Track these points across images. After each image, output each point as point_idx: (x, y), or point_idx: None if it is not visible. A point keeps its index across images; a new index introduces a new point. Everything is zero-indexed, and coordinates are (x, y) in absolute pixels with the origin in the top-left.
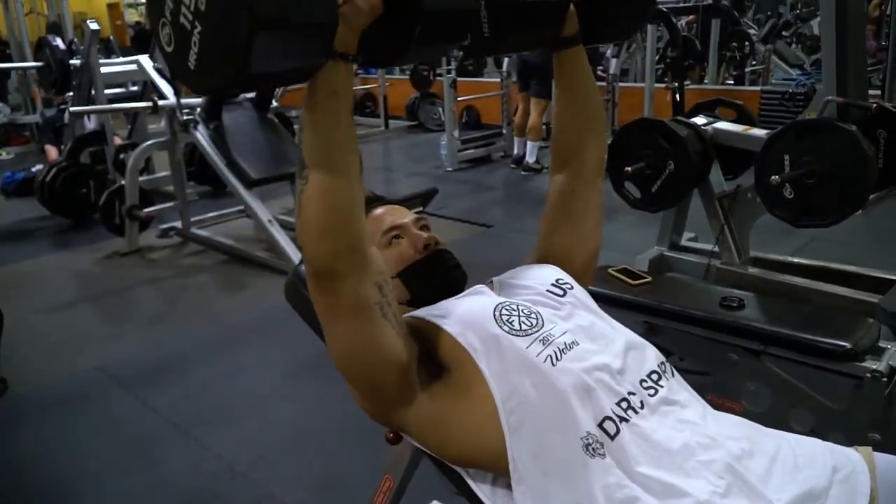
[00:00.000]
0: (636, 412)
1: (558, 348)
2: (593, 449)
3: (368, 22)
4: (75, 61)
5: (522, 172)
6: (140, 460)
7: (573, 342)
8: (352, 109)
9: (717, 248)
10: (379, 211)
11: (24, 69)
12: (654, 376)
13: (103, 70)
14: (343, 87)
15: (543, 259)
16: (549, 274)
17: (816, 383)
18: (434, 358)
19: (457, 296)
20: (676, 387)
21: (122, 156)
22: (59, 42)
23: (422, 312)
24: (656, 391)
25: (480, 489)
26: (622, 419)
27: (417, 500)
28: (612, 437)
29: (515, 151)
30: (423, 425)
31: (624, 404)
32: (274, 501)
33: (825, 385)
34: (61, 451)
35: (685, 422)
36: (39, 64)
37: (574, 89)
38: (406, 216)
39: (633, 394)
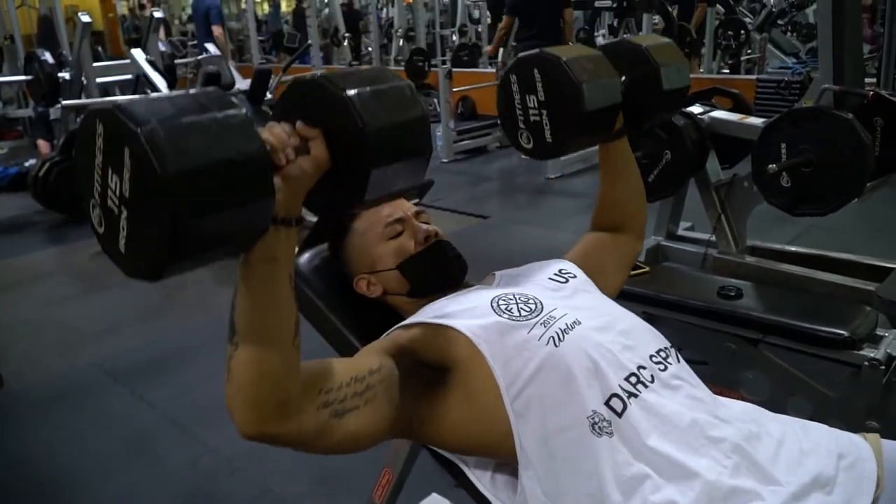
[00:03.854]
0: (646, 386)
1: (560, 329)
2: (600, 428)
3: (315, 181)
4: (64, 74)
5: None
6: (138, 456)
7: (575, 321)
8: (292, 274)
9: (714, 238)
10: None
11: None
12: (663, 353)
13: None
14: (283, 253)
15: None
16: (552, 265)
17: (814, 371)
18: (432, 361)
19: (452, 294)
20: (683, 370)
21: None
22: (47, 56)
23: (416, 318)
24: (666, 367)
25: (480, 480)
26: (630, 394)
27: (416, 493)
28: (620, 414)
29: None
30: (426, 428)
31: (633, 379)
32: (273, 496)
33: (823, 373)
34: (58, 446)
35: (695, 399)
36: (28, 77)
37: (619, 174)
38: (406, 208)
39: (644, 367)
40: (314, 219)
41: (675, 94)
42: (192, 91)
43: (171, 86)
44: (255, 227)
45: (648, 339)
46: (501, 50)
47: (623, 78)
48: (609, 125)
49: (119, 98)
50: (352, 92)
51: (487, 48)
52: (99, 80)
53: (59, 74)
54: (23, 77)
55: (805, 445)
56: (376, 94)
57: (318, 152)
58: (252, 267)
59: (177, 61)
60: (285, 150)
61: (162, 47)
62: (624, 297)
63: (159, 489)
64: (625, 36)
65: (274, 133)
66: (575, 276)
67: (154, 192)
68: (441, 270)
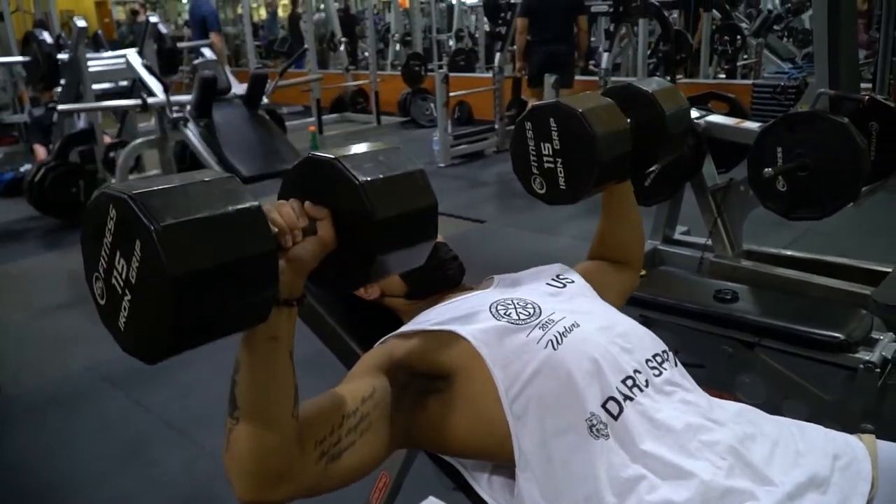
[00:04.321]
0: (641, 390)
1: (558, 332)
2: (597, 430)
3: (319, 261)
4: (63, 56)
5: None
6: (134, 460)
7: (574, 324)
8: (291, 350)
9: (710, 242)
10: None
11: (12, 64)
12: (659, 359)
13: (92, 68)
14: (284, 332)
15: None
16: (551, 269)
17: (810, 374)
18: (425, 373)
19: (451, 299)
20: (679, 374)
21: (111, 154)
22: (46, 36)
23: (415, 325)
24: (661, 372)
25: (478, 482)
26: (626, 398)
27: (414, 497)
28: (616, 417)
29: None
30: (424, 435)
31: (629, 382)
32: None
33: (819, 376)
34: (55, 451)
35: (689, 403)
36: (27, 59)
37: (621, 215)
38: None
39: (639, 372)
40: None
41: (678, 137)
42: (206, 178)
43: (167, 90)
44: (257, 314)
45: (646, 342)
46: (498, 55)
47: (629, 121)
48: (621, 172)
49: (131, 182)
50: (365, 178)
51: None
52: (95, 86)
53: (58, 56)
54: (20, 58)
55: (801, 446)
56: (388, 182)
57: (326, 233)
58: (253, 346)
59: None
60: (293, 231)
61: (164, 30)
62: None
63: (155, 493)
64: (631, 80)
65: (283, 213)
66: (573, 282)
67: (161, 289)
68: (438, 272)
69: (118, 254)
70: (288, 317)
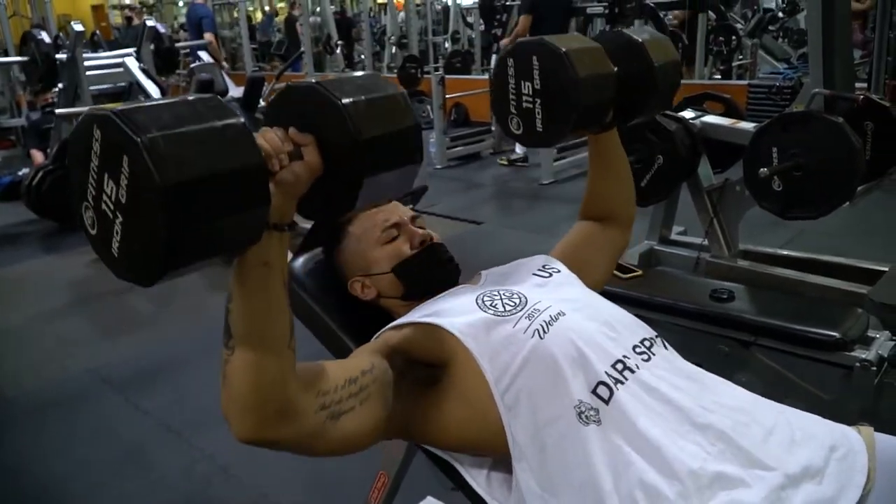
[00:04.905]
0: (633, 372)
1: (544, 321)
2: (587, 417)
3: (308, 187)
4: (61, 56)
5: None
6: (133, 463)
7: (559, 312)
8: (286, 280)
9: (706, 242)
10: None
11: (9, 66)
12: (647, 343)
13: (89, 72)
14: (276, 257)
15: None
16: (536, 261)
17: (806, 373)
18: (422, 360)
19: (440, 294)
20: (670, 356)
21: None
22: (44, 35)
23: (406, 318)
24: (650, 357)
25: (476, 480)
26: (617, 381)
27: (412, 497)
28: (607, 401)
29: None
30: (421, 426)
31: (619, 366)
32: (269, 502)
33: (815, 375)
34: (53, 454)
35: (680, 387)
36: (24, 59)
37: (606, 166)
38: (402, 213)
39: (628, 357)
40: (307, 225)
41: (666, 92)
42: (189, 98)
43: (163, 93)
44: (249, 234)
45: (633, 328)
46: (494, 56)
47: (616, 69)
48: (600, 119)
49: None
50: (346, 100)
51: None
52: (91, 87)
53: (57, 56)
54: (18, 58)
55: (797, 435)
56: (370, 103)
57: (312, 158)
58: (245, 272)
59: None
60: (279, 155)
61: (161, 29)
62: (617, 300)
63: (154, 496)
64: (624, 29)
65: (268, 138)
66: (559, 271)
67: (152, 202)
68: (435, 274)
69: (106, 176)
70: (279, 242)
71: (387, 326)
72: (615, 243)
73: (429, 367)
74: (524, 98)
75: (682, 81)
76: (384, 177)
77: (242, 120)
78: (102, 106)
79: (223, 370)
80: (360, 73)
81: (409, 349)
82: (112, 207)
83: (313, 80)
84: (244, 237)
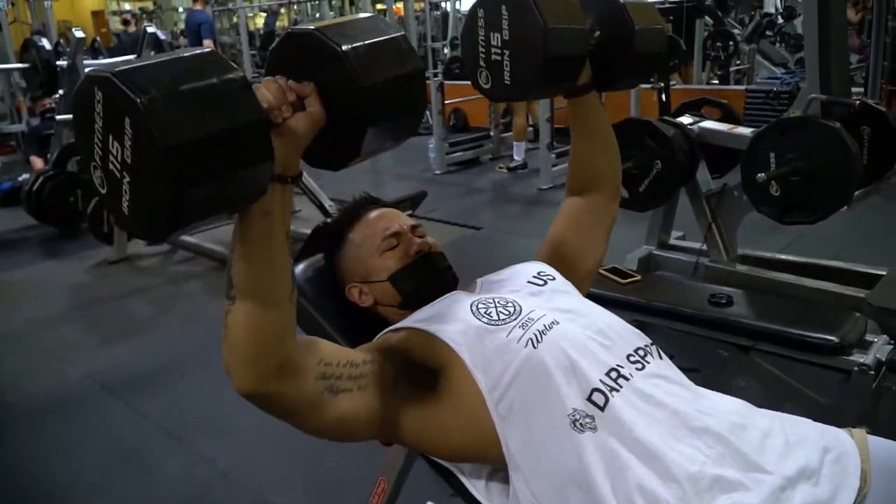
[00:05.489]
0: (627, 380)
1: (538, 330)
2: (581, 424)
3: (312, 137)
4: (62, 62)
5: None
6: (132, 467)
7: (553, 322)
8: (288, 231)
9: (705, 246)
10: (374, 214)
11: (10, 72)
12: (641, 352)
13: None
14: (279, 209)
15: (545, 262)
16: (531, 268)
17: (805, 378)
18: (419, 364)
19: (434, 301)
20: (665, 365)
21: None
22: (44, 42)
23: (402, 323)
24: (644, 366)
25: (475, 487)
26: (612, 388)
27: (412, 502)
28: (602, 408)
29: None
30: (415, 432)
31: (613, 374)
32: None
33: (813, 379)
34: (53, 458)
35: (676, 393)
36: (25, 65)
37: (588, 131)
38: (403, 222)
39: (622, 365)
40: (307, 231)
41: (647, 58)
42: (188, 54)
43: None
44: (254, 188)
45: (627, 336)
46: None
47: (597, 33)
48: (571, 75)
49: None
50: (346, 47)
51: None
52: None
53: (57, 63)
54: (19, 65)
55: (791, 438)
56: (372, 48)
57: (314, 108)
58: (249, 222)
59: None
60: (281, 107)
61: (161, 35)
62: (616, 305)
63: (153, 501)
64: None
65: (270, 90)
66: (553, 279)
67: (156, 161)
68: (431, 283)
69: (110, 137)
70: (283, 193)
71: (385, 330)
72: (603, 219)
73: (425, 371)
74: (493, 50)
75: (680, 87)
76: (387, 124)
77: (242, 73)
78: (102, 65)
79: (224, 321)
80: (361, 16)
81: (406, 351)
82: (119, 167)
83: (312, 27)
84: (249, 192)
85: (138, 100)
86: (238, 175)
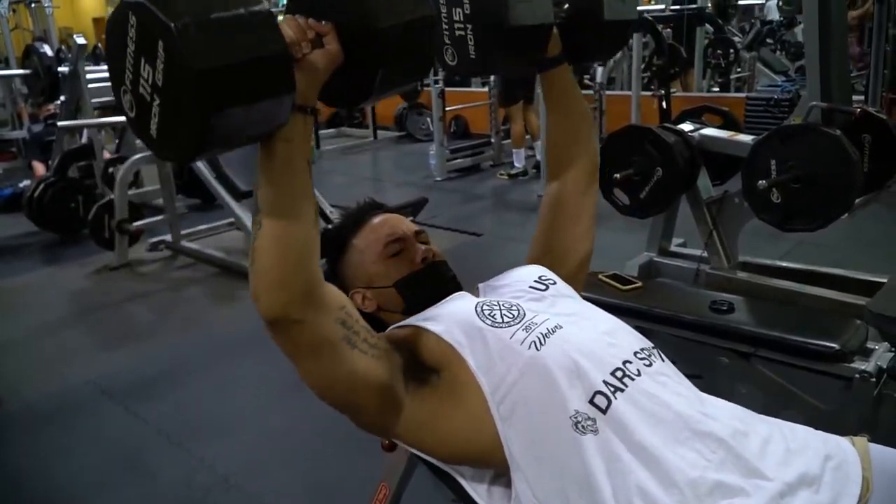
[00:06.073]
0: (632, 379)
1: (541, 333)
2: (583, 427)
3: (329, 74)
4: (63, 69)
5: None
6: (133, 473)
7: (556, 326)
8: (309, 157)
9: (705, 253)
10: (378, 220)
11: (12, 78)
12: (645, 352)
13: (91, 85)
14: (299, 135)
15: (536, 262)
16: (532, 272)
17: (806, 385)
18: (422, 362)
19: (439, 302)
20: (667, 368)
21: (110, 170)
22: (46, 49)
23: (407, 320)
24: (651, 363)
25: (476, 491)
26: (616, 389)
27: None
28: (605, 411)
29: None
30: (417, 430)
31: (619, 373)
32: None
33: (814, 386)
34: (54, 464)
35: (680, 395)
36: (27, 72)
37: (562, 106)
38: (407, 227)
39: (629, 362)
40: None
41: (617, 26)
42: None
43: None
44: (277, 116)
45: (630, 339)
46: None
47: (566, 6)
48: (538, 46)
49: None
50: None
51: None
52: (95, 99)
53: (59, 69)
54: (21, 71)
55: (792, 445)
56: None
57: (332, 47)
58: (271, 149)
59: None
60: (301, 43)
61: None
62: (617, 312)
63: None
64: None
65: (292, 26)
66: (555, 283)
67: (187, 84)
68: (436, 291)
69: (143, 60)
70: (303, 123)
71: (390, 328)
72: (585, 204)
73: (428, 370)
74: (456, 25)
75: (681, 95)
76: (400, 66)
77: (268, 6)
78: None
79: (252, 246)
80: None
81: (413, 346)
82: (150, 90)
83: None
84: (272, 119)
85: (172, 24)
86: (262, 103)
